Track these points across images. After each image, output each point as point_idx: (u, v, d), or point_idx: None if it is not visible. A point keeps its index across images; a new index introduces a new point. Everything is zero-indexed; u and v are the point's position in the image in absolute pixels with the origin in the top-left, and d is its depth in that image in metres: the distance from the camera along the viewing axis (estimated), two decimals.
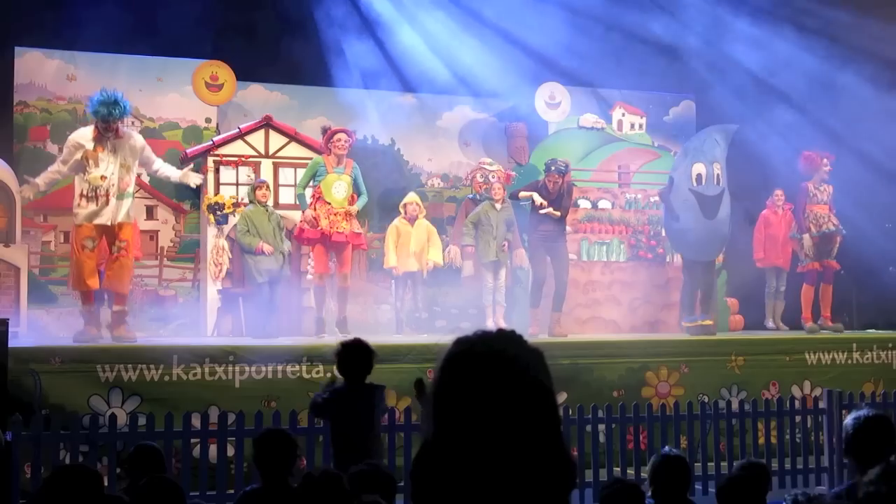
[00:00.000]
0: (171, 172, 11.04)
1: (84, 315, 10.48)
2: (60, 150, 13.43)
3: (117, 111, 10.32)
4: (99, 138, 10.33)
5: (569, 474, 2.15)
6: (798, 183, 13.15)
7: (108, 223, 10.23)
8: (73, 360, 9.03)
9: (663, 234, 13.94)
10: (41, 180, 10.59)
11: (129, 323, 10.47)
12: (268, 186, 12.36)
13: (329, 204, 11.39)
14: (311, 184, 11.69)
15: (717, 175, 12.26)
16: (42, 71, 13.65)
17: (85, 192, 10.28)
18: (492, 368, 2.09)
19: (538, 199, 11.95)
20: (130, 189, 10.47)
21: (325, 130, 11.84)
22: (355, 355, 6.74)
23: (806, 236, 12.94)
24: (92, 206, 10.21)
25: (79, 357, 9.13)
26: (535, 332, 11.59)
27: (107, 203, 10.21)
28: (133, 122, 13.13)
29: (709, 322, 12.16)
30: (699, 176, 12.23)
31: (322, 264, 11.58)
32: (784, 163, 13.31)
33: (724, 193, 12.32)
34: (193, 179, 11.20)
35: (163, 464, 5.61)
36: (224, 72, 13.92)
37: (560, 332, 11.73)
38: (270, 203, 12.36)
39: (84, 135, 10.47)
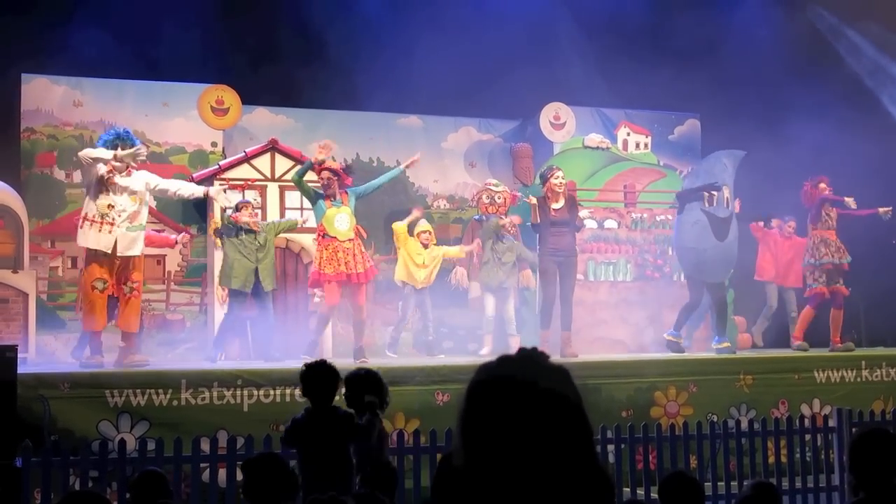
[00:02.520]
0: (191, 189, 11.13)
1: (92, 347, 10.55)
2: (68, 175, 13.55)
3: (127, 139, 10.49)
4: (113, 171, 10.35)
5: (607, 491, 2.13)
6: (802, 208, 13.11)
7: (109, 252, 10.26)
8: (81, 386, 9.03)
9: (670, 252, 13.95)
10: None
11: (135, 355, 10.47)
12: (252, 207, 12.37)
13: (335, 238, 11.31)
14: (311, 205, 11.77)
15: (727, 198, 12.26)
16: (48, 97, 13.70)
17: (89, 217, 10.31)
18: (517, 392, 2.07)
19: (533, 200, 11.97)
20: (141, 221, 10.53)
21: (320, 163, 11.60)
22: (320, 378, 6.53)
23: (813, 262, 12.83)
24: (94, 232, 10.25)
25: (87, 382, 9.13)
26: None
27: (110, 232, 10.25)
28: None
29: (727, 343, 12.22)
30: (711, 197, 12.23)
31: (334, 297, 11.49)
32: (791, 185, 13.27)
33: (733, 217, 12.34)
34: (222, 198, 11.33)
35: (168, 488, 5.59)
36: (229, 96, 13.96)
37: (571, 353, 11.64)
38: (260, 219, 12.44)
39: (101, 167, 10.41)
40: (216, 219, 12.98)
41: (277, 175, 13.34)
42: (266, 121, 14.73)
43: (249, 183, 13.25)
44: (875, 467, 4.41)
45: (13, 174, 13.13)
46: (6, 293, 11.76)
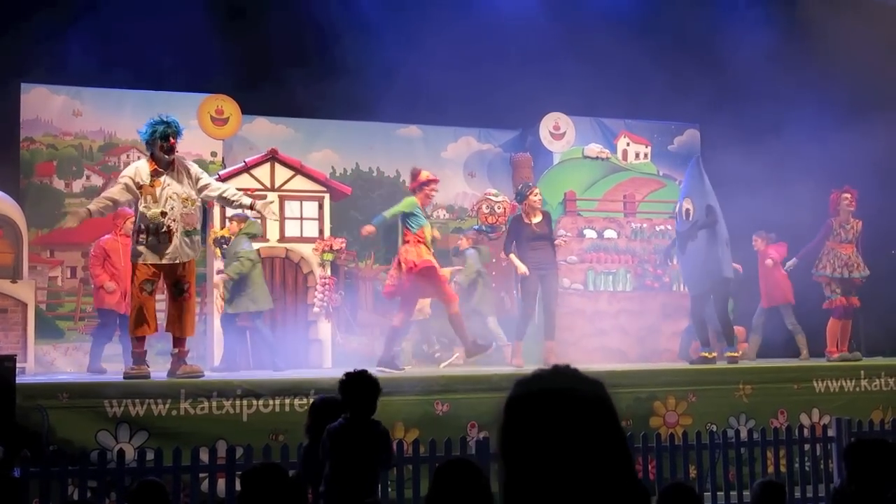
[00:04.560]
0: (238, 197, 10.10)
1: (135, 357, 9.88)
2: (67, 185, 13.58)
3: (173, 127, 9.66)
4: (156, 173, 9.59)
5: (642, 501, 2.14)
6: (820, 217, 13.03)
7: (176, 261, 9.61)
8: (80, 396, 9.00)
9: (669, 263, 13.99)
10: (94, 206, 9.69)
11: (188, 362, 10.04)
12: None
13: (429, 249, 11.15)
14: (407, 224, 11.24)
15: (687, 210, 12.28)
16: (48, 107, 13.74)
17: (144, 229, 9.52)
18: (555, 406, 2.08)
19: (521, 268, 11.79)
20: (199, 225, 9.87)
21: (415, 174, 11.39)
22: (362, 388, 6.22)
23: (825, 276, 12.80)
24: (153, 243, 9.49)
25: (86, 392, 9.09)
26: (519, 364, 11.59)
27: (170, 241, 9.52)
28: (139, 157, 13.18)
29: (732, 353, 12.19)
30: (687, 211, 12.32)
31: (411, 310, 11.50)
32: (789, 193, 13.25)
33: (695, 226, 12.22)
34: (269, 213, 10.42)
35: (166, 499, 5.57)
36: (229, 106, 14.00)
37: (519, 364, 11.75)
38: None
39: (141, 167, 9.68)
40: (215, 228, 12.97)
41: (277, 185, 13.33)
42: (266, 131, 14.77)
43: (249, 193, 13.23)
44: (871, 477, 4.41)
45: (12, 184, 13.15)
46: (5, 303, 11.76)
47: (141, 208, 9.59)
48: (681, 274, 12.81)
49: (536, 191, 12.23)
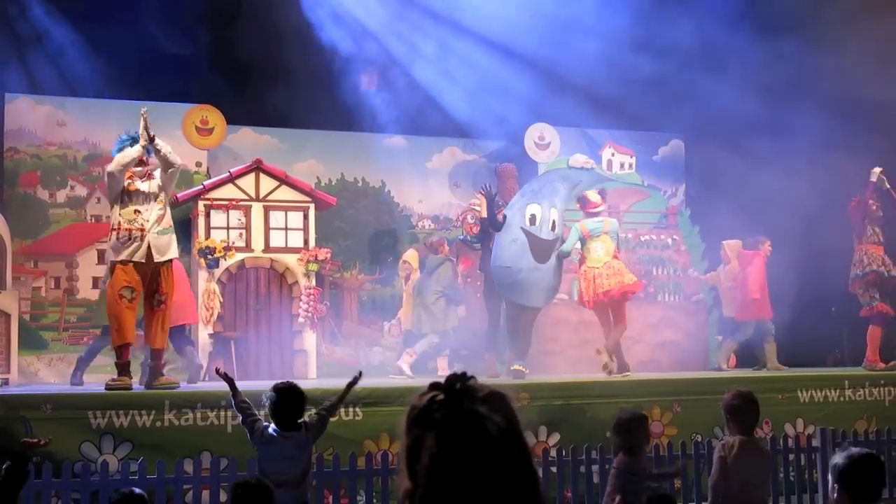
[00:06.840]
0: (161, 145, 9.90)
1: (119, 368, 9.84)
2: (51, 195, 13.54)
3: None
4: (133, 177, 9.77)
5: None
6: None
7: (144, 260, 9.62)
8: (64, 407, 8.95)
9: (654, 273, 14.00)
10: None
11: (164, 373, 10.06)
12: None
13: (594, 267, 11.72)
14: (577, 247, 11.90)
15: (553, 221, 11.97)
16: (32, 117, 13.71)
17: (117, 227, 9.67)
18: (450, 419, 2.09)
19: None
20: (169, 224, 9.92)
21: (583, 200, 12.10)
22: (285, 400, 6.72)
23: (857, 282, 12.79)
24: (126, 243, 9.62)
25: (70, 403, 9.05)
26: (493, 375, 11.88)
27: (142, 238, 9.65)
28: None
29: (520, 367, 11.78)
30: (533, 217, 11.91)
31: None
32: (775, 205, 13.28)
33: (558, 242, 12.02)
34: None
35: None
36: (214, 116, 13.98)
37: (493, 374, 11.82)
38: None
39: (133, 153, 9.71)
40: (200, 239, 12.94)
41: (262, 195, 13.31)
42: (250, 141, 14.76)
43: (234, 203, 13.22)
44: (865, 493, 4.43)
45: None
46: None
47: (116, 208, 9.74)
48: (518, 279, 12.37)
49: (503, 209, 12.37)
